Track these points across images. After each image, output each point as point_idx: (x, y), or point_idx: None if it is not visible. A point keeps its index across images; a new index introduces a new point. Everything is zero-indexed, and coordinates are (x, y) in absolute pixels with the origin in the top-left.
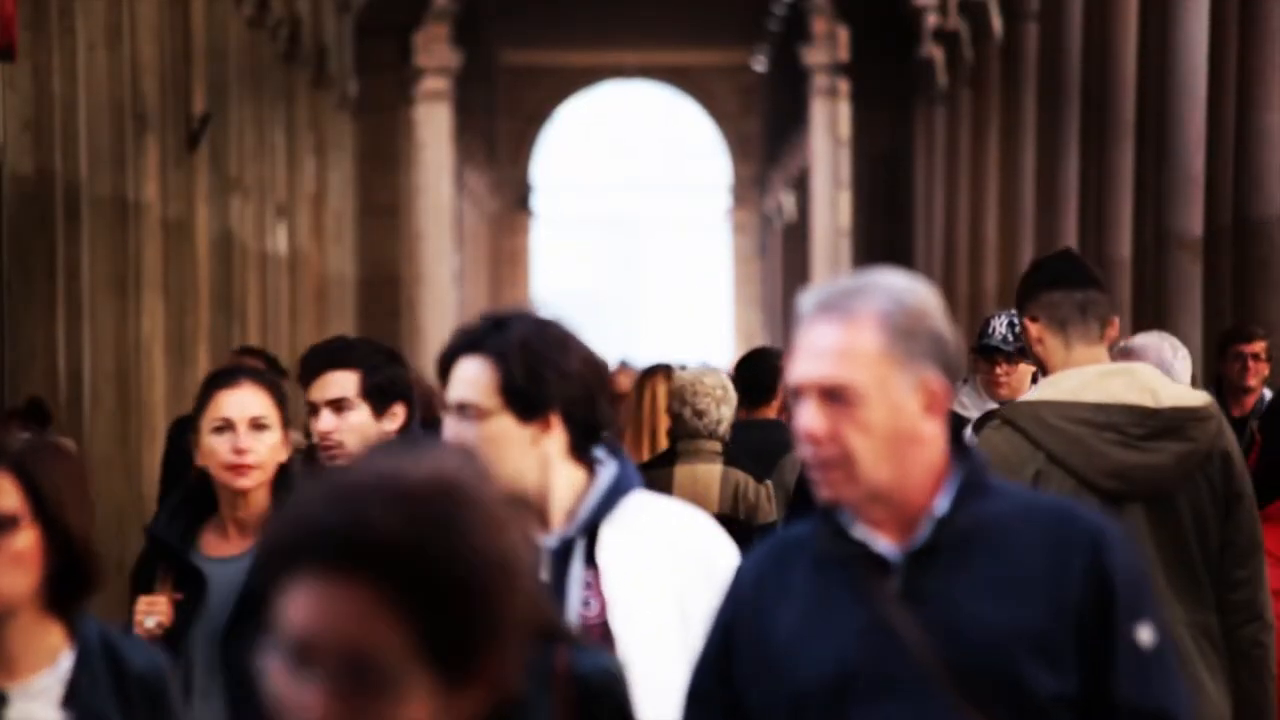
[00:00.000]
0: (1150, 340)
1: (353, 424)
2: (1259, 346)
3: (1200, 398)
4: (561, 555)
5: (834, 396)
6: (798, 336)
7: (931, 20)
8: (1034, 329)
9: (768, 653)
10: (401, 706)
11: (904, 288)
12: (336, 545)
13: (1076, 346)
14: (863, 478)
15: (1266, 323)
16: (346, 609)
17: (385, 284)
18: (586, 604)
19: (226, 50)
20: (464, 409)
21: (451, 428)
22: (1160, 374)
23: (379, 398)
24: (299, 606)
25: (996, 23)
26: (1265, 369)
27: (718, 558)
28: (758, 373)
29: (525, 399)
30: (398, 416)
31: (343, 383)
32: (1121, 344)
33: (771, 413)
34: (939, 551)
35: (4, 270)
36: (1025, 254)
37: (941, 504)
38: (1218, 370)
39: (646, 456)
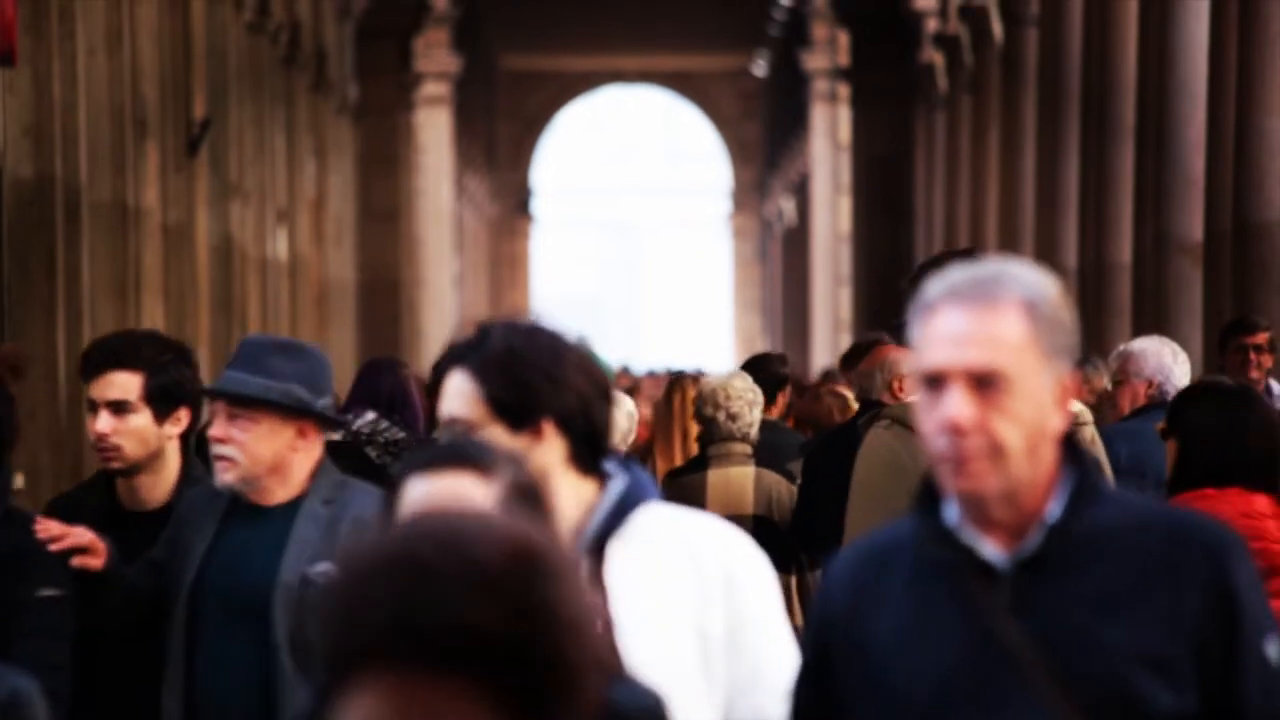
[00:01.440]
0: (1150, 344)
1: (132, 427)
2: (1262, 338)
3: (1076, 407)
4: None
5: (983, 383)
6: (926, 325)
7: (932, 25)
8: None
9: (866, 664)
10: None
11: (1040, 278)
12: (426, 644)
13: None
14: (1010, 471)
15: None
16: (443, 713)
17: (385, 288)
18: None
19: (226, 54)
20: (454, 424)
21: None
22: None
23: (162, 401)
24: (382, 714)
25: (997, 27)
26: (1269, 360)
27: (741, 568)
28: (761, 377)
29: (511, 409)
30: (181, 421)
31: (124, 384)
32: (1121, 347)
33: (774, 415)
34: (1050, 560)
35: (4, 274)
36: (1025, 258)
37: (1054, 509)
38: (1219, 363)
39: (679, 462)
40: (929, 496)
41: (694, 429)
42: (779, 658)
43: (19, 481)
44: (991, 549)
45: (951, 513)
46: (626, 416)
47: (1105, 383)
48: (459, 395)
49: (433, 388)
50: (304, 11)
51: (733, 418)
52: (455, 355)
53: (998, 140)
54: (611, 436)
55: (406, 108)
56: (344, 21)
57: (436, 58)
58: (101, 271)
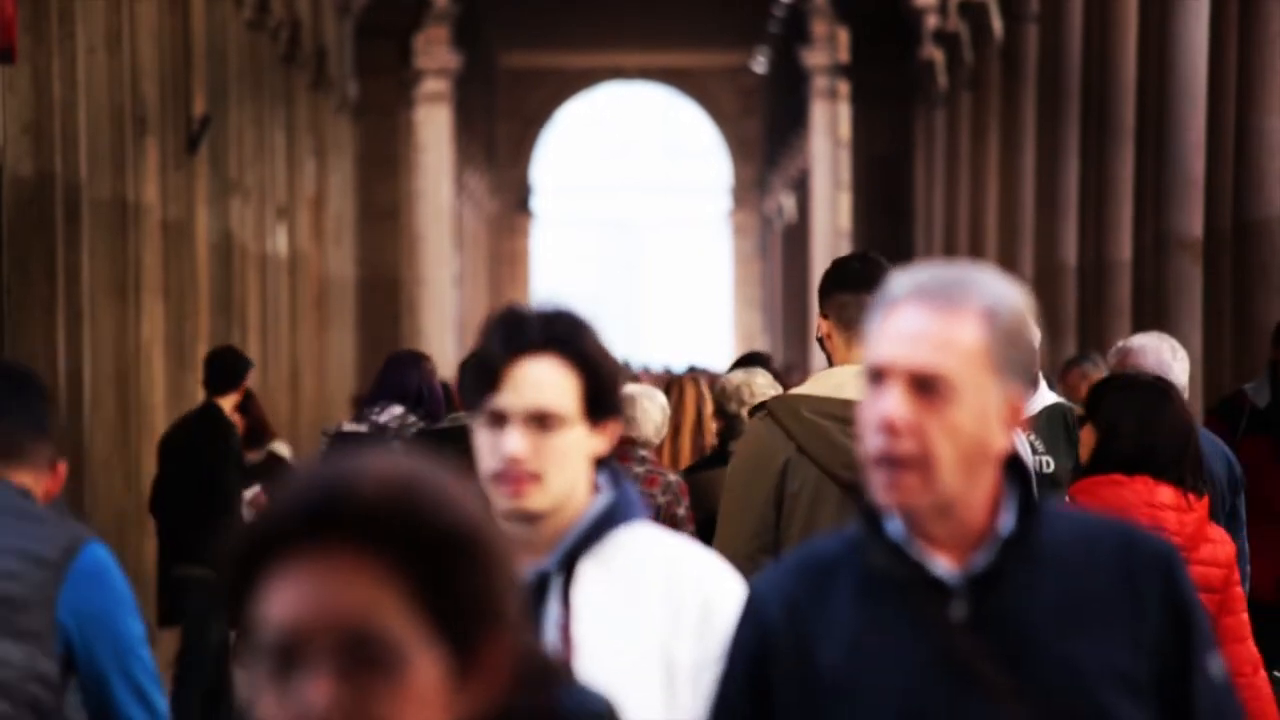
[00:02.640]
0: (1149, 341)
1: None
2: None
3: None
4: (536, 592)
5: (925, 387)
6: (884, 319)
7: (932, 22)
8: (824, 325)
9: (816, 686)
10: (412, 684)
11: (1007, 289)
12: (320, 519)
13: (856, 347)
14: (937, 485)
15: (1266, 325)
16: (337, 581)
17: (385, 286)
18: (555, 648)
19: (226, 52)
20: (544, 419)
21: (514, 442)
22: None
23: None
24: (283, 597)
25: (997, 24)
26: None
27: (720, 601)
28: None
29: (600, 404)
30: None
31: None
32: (1120, 344)
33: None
34: (1005, 575)
35: (4, 273)
36: (1025, 255)
37: (1006, 523)
38: (1271, 357)
39: (684, 463)
40: (870, 508)
41: (690, 428)
42: None
43: None
44: (942, 564)
45: (895, 526)
46: (660, 409)
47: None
48: (551, 385)
49: (480, 375)
50: (304, 9)
51: None
52: (535, 341)
53: (998, 137)
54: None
55: (406, 105)
56: (344, 19)
57: (436, 55)
58: (101, 269)
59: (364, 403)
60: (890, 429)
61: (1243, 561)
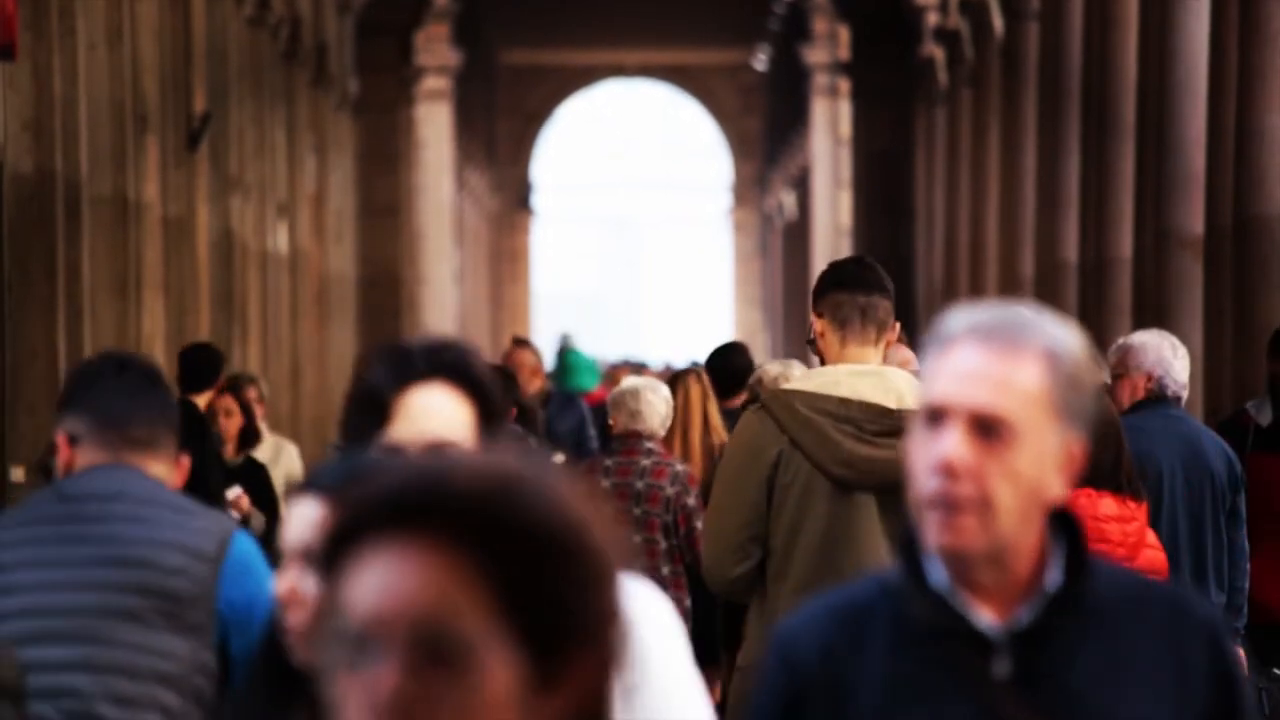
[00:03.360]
0: (1150, 338)
1: None
2: None
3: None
4: None
5: (986, 429)
6: (940, 357)
7: (932, 19)
8: (819, 324)
9: None
10: (483, 687)
11: (1068, 334)
12: (409, 508)
13: (850, 345)
14: (995, 530)
15: (1267, 323)
16: (418, 574)
17: (386, 283)
18: None
19: (227, 50)
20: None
21: None
22: (913, 381)
23: None
24: (364, 585)
25: (997, 22)
26: None
27: (640, 621)
28: (730, 365)
29: (491, 433)
30: None
31: None
32: (1120, 342)
33: (736, 405)
34: (1051, 632)
35: (4, 270)
36: (1026, 253)
37: (1053, 578)
38: (1270, 370)
39: (688, 455)
40: (910, 553)
41: (697, 422)
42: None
43: (19, 475)
44: (986, 618)
45: (936, 573)
46: (664, 402)
47: (1105, 377)
48: (445, 415)
49: (368, 407)
50: (304, 6)
51: None
52: (423, 370)
53: (998, 135)
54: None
55: (407, 102)
56: (344, 16)
57: (437, 52)
58: (102, 266)
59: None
60: (950, 471)
61: (1241, 559)
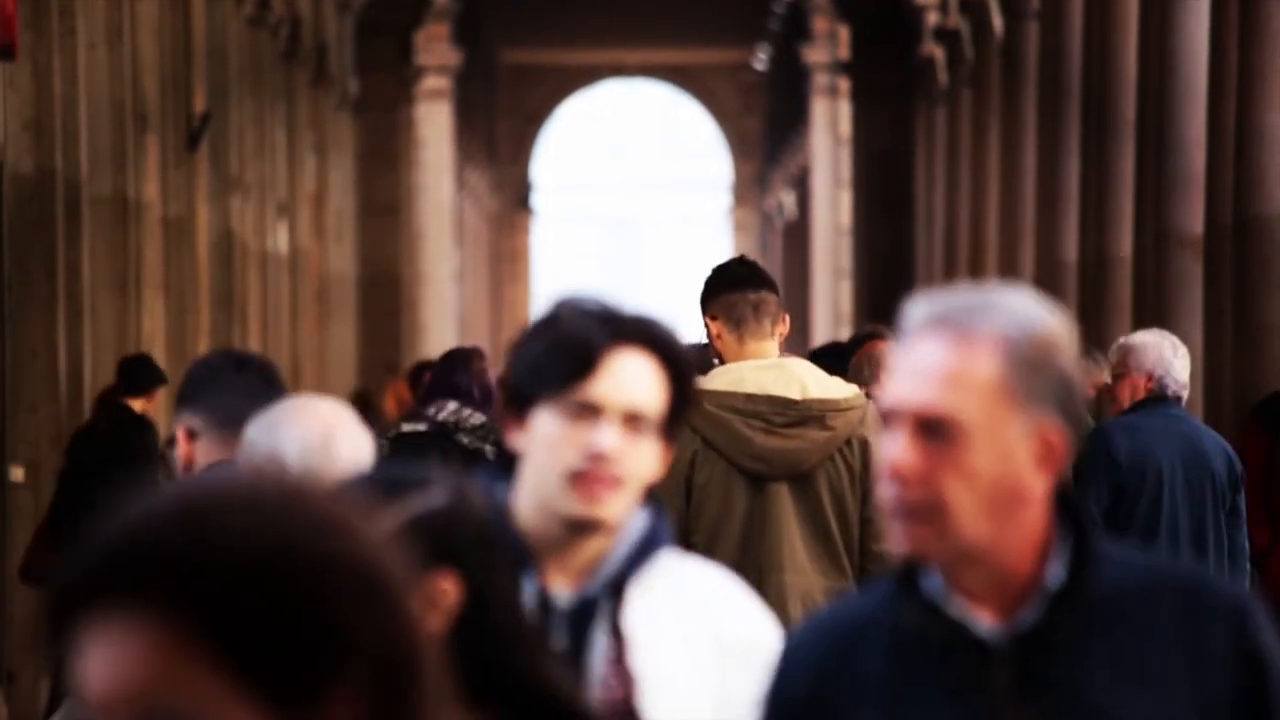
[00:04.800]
0: (1150, 338)
1: None
2: None
3: (848, 390)
4: (580, 619)
5: (933, 431)
6: (901, 354)
7: (932, 19)
8: (714, 326)
9: None
10: None
11: (1033, 311)
12: (104, 577)
13: (749, 342)
14: (955, 534)
15: (1266, 323)
16: (131, 650)
17: (386, 283)
18: (607, 682)
19: (227, 49)
20: (638, 420)
21: (608, 438)
22: (814, 369)
23: None
24: (86, 667)
25: (997, 22)
26: None
27: (760, 641)
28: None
29: (675, 423)
30: None
31: None
32: (1121, 340)
33: None
34: (1055, 633)
35: (4, 270)
36: (1026, 252)
37: (1054, 575)
38: None
39: None
40: (909, 561)
41: None
42: None
43: (18, 476)
44: (984, 622)
45: (933, 580)
46: None
47: (1105, 377)
48: (647, 385)
49: (585, 361)
50: (304, 6)
51: None
52: (635, 336)
53: (998, 134)
54: None
55: (407, 102)
56: (344, 16)
57: (437, 52)
58: (102, 266)
59: (421, 402)
60: (897, 477)
61: (1241, 559)
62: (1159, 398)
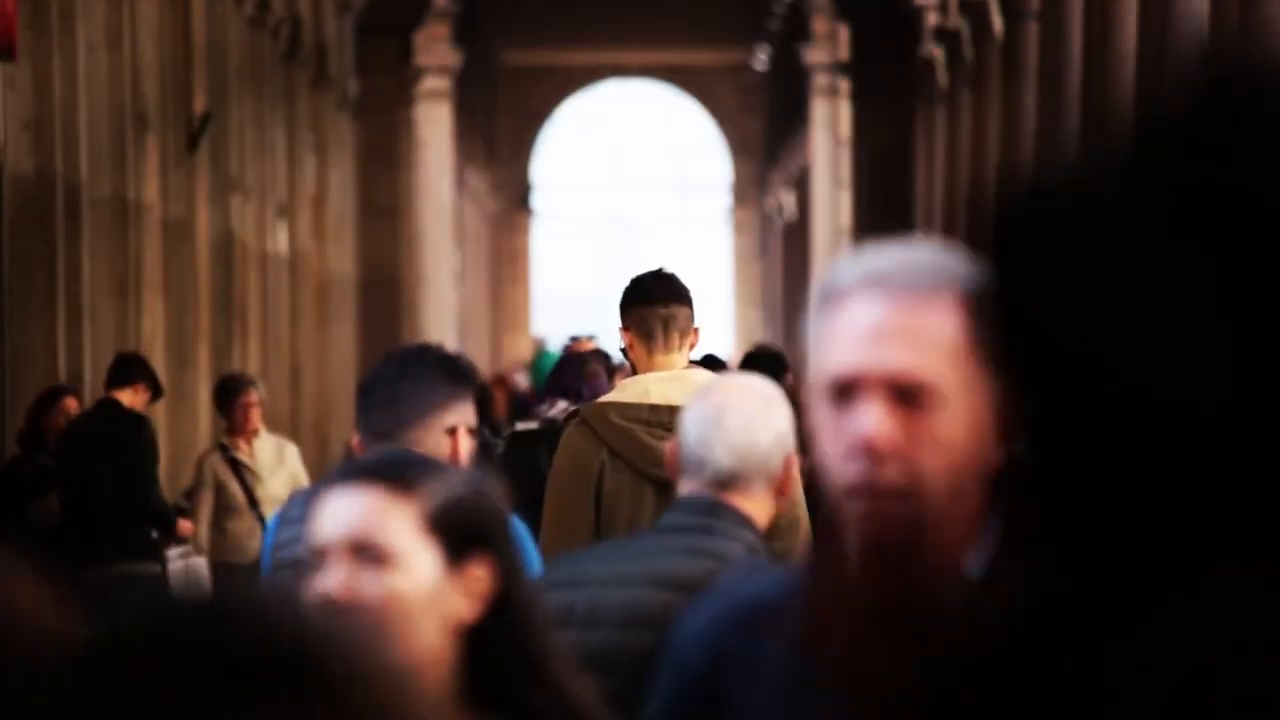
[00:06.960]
0: None
1: None
2: None
3: None
4: None
5: (907, 397)
6: (832, 317)
7: (932, 19)
8: (626, 338)
9: None
10: None
11: (976, 271)
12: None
13: (657, 355)
14: (924, 513)
15: None
16: None
17: (386, 284)
18: None
19: (227, 50)
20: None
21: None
22: (712, 378)
23: None
24: None
25: (997, 22)
26: None
27: None
28: (764, 370)
29: None
30: None
31: None
32: None
33: None
34: None
35: (4, 271)
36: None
37: (974, 566)
38: None
39: None
40: (822, 544)
41: None
42: None
43: None
44: None
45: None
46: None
47: None
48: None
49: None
50: (304, 7)
51: None
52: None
53: (998, 134)
54: None
55: (407, 103)
56: (344, 17)
57: (437, 53)
58: (102, 267)
59: (536, 400)
60: (874, 452)
61: None
62: None
